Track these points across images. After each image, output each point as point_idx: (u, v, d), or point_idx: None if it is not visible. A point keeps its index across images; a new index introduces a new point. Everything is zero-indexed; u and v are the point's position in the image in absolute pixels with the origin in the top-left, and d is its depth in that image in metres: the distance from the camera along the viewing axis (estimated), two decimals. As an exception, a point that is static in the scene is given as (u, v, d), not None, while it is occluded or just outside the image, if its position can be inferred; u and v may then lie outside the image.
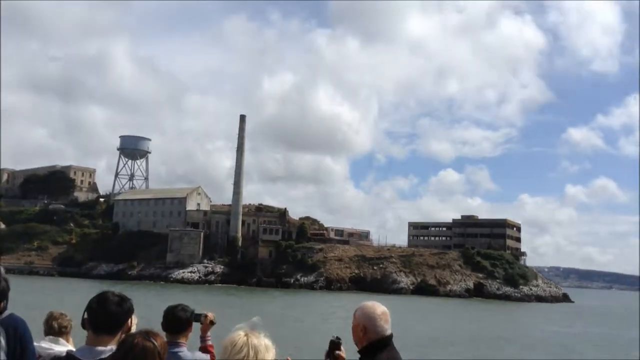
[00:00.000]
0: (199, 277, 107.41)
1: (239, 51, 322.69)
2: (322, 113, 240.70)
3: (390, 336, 3.30)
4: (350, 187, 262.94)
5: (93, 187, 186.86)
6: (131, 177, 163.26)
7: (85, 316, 3.02)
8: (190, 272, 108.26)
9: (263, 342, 2.49)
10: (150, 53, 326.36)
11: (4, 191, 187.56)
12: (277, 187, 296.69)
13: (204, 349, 4.36)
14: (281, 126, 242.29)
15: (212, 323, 4.40)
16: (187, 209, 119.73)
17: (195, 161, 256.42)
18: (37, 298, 45.72)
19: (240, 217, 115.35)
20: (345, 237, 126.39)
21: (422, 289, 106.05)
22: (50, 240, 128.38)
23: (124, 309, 3.03)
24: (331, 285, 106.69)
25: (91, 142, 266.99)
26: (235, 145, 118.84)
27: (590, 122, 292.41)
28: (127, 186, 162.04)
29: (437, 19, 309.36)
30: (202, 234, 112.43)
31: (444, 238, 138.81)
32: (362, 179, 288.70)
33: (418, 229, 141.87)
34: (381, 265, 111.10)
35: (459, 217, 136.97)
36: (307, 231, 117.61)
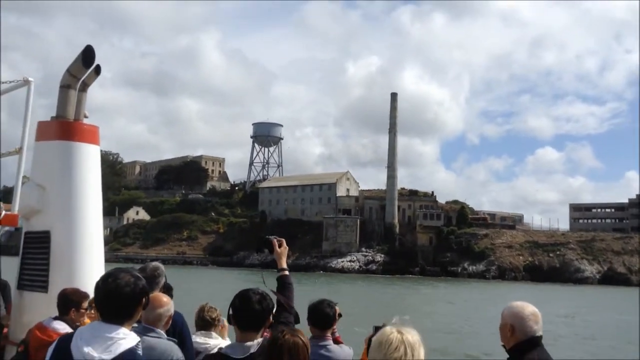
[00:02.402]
0: (360, 266, 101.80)
1: (323, 36, 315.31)
2: (410, 94, 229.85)
3: (540, 337, 3.21)
4: (441, 169, 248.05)
5: (223, 176, 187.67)
6: (265, 165, 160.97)
7: (230, 312, 3.14)
8: (350, 261, 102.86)
9: (416, 338, 2.41)
10: (237, 45, 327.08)
11: (138, 183, 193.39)
12: (367, 171, 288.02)
13: (336, 340, 4.29)
14: (368, 110, 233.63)
15: (339, 316, 4.29)
16: (337, 195, 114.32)
17: (284, 148, 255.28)
18: (197, 288, 41.96)
19: (396, 203, 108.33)
20: (497, 222, 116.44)
21: (611, 278, 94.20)
22: (198, 229, 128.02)
23: (265, 307, 3.13)
24: (504, 274, 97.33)
25: (187, 134, 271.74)
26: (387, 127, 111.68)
27: None
28: (261, 174, 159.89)
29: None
30: (358, 221, 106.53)
31: (612, 220, 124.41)
32: (454, 161, 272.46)
33: (581, 211, 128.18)
34: (558, 252, 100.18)
35: (634, 197, 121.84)
36: (467, 215, 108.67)
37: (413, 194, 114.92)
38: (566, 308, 47.29)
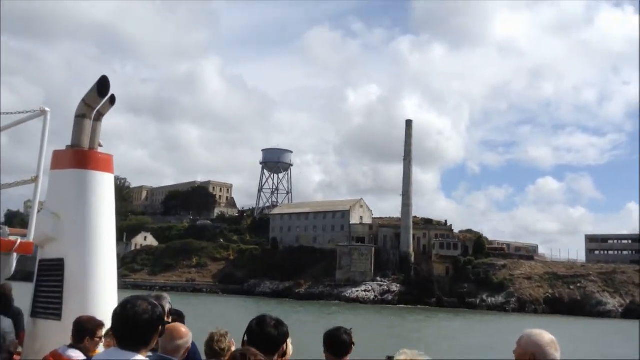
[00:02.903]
0: (375, 296, 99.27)
1: (323, 64, 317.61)
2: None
3: None
4: (442, 197, 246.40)
5: (231, 202, 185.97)
6: (273, 192, 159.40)
7: (245, 338, 3.22)
8: (364, 290, 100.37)
9: None
10: (238, 72, 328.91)
11: (144, 208, 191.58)
12: (367, 199, 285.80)
13: None
14: (368, 138, 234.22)
15: (353, 344, 4.20)
16: (350, 222, 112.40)
17: (293, 175, 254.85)
18: (208, 318, 40.52)
19: (412, 231, 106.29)
20: (513, 252, 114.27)
21: (633, 312, 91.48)
22: (208, 256, 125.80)
23: (280, 332, 3.21)
24: (524, 307, 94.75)
25: (188, 160, 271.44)
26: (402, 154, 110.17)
27: None
28: (270, 201, 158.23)
29: (527, 16, 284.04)
30: (372, 249, 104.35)
31: (629, 252, 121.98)
32: (454, 189, 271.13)
33: (597, 242, 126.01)
34: (579, 285, 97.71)
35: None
36: (484, 245, 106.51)
37: (428, 222, 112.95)
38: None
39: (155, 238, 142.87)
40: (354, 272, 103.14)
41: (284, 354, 3.25)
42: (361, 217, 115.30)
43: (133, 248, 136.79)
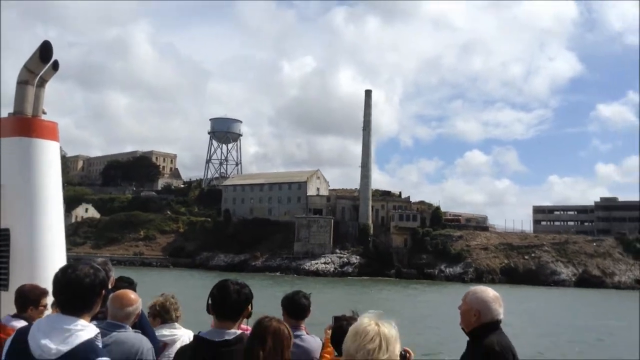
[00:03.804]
0: (335, 268, 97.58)
1: (258, 34, 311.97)
2: (344, 94, 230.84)
3: (500, 321, 3.29)
4: (375, 169, 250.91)
5: (175, 173, 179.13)
6: (222, 162, 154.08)
7: (210, 302, 3.24)
8: (324, 262, 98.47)
9: (393, 333, 2.42)
10: (170, 39, 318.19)
11: (81, 179, 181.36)
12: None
13: None
14: (303, 110, 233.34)
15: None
16: (307, 194, 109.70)
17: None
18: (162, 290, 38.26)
19: (370, 203, 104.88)
20: (463, 223, 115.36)
21: (586, 281, 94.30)
22: (156, 229, 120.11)
23: (242, 296, 3.22)
24: (482, 277, 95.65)
25: (117, 129, 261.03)
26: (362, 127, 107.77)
27: (621, 98, 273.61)
28: (219, 171, 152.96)
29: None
30: (332, 221, 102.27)
31: (573, 223, 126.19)
32: (387, 162, 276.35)
33: (544, 213, 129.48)
34: (533, 255, 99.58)
35: (597, 200, 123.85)
36: (441, 217, 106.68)
37: (386, 194, 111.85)
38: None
39: (96, 210, 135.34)
40: (313, 244, 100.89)
41: (249, 315, 3.29)
42: (318, 189, 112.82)
43: (73, 220, 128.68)
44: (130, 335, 3.38)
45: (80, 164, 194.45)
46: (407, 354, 3.06)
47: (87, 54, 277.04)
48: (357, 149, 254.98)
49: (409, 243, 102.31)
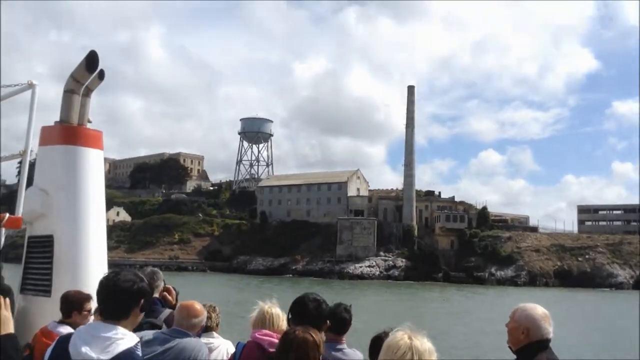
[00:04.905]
0: (380, 272, 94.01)
1: (270, 35, 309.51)
2: (356, 96, 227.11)
3: (550, 340, 3.25)
4: (388, 170, 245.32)
5: (203, 175, 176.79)
6: (252, 163, 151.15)
7: (290, 316, 3.51)
8: (369, 266, 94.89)
9: (427, 346, 2.40)
10: (181, 42, 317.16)
11: (108, 182, 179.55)
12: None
13: None
14: (316, 111, 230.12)
15: None
16: (348, 194, 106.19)
17: (228, 151, 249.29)
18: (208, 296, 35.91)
19: (414, 203, 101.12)
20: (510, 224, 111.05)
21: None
22: (190, 232, 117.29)
23: (320, 312, 3.55)
24: (535, 280, 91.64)
25: (132, 132, 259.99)
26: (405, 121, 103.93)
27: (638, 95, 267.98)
28: (249, 172, 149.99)
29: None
30: (375, 222, 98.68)
31: (620, 223, 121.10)
32: (400, 162, 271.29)
33: (590, 213, 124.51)
34: (587, 256, 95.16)
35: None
36: (489, 217, 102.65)
37: (429, 194, 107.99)
38: None
39: (128, 213, 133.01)
40: (356, 247, 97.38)
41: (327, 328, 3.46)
42: (358, 189, 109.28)
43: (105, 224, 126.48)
44: (192, 342, 3.47)
45: (106, 166, 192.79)
46: None
47: (100, 57, 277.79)
48: (369, 150, 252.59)
49: (456, 245, 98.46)
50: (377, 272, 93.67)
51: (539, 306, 3.30)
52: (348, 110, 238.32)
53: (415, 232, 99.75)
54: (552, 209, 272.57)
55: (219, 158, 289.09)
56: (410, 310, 48.02)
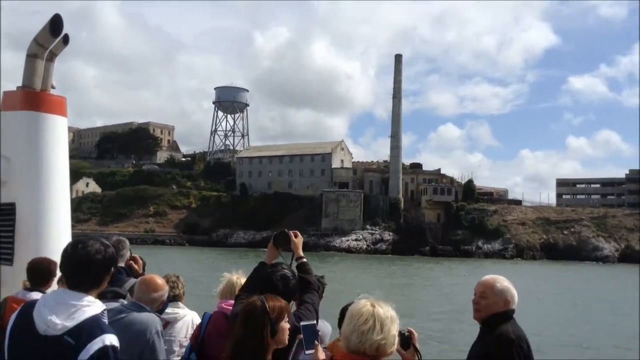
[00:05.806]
0: (367, 245, 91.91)
1: (230, 5, 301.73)
2: (318, 67, 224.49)
3: (514, 310, 3.33)
4: (349, 143, 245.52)
5: (174, 146, 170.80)
6: (227, 134, 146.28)
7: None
8: (355, 239, 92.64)
9: (389, 314, 2.43)
10: (137, 10, 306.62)
11: (72, 151, 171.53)
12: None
13: None
14: (277, 82, 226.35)
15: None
16: (332, 166, 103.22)
17: (189, 122, 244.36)
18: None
19: (401, 176, 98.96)
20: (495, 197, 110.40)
21: (629, 256, 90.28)
22: (166, 204, 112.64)
23: (291, 286, 3.33)
24: (522, 253, 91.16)
25: (85, 101, 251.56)
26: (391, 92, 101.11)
27: (594, 71, 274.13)
28: (224, 143, 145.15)
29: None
30: (362, 195, 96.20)
31: (599, 196, 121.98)
32: (361, 135, 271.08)
33: (569, 186, 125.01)
34: (572, 230, 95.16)
35: (627, 172, 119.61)
36: (474, 190, 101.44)
37: (416, 166, 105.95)
38: None
39: (97, 184, 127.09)
40: (342, 220, 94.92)
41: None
42: (342, 161, 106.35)
43: (74, 195, 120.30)
44: (142, 316, 3.32)
45: (70, 136, 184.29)
46: (411, 335, 2.85)
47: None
48: (333, 122, 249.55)
49: (442, 218, 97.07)
50: (365, 246, 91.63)
51: (501, 277, 3.36)
52: (309, 82, 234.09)
53: (402, 206, 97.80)
54: (510, 183, 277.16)
55: (179, 129, 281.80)
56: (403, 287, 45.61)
